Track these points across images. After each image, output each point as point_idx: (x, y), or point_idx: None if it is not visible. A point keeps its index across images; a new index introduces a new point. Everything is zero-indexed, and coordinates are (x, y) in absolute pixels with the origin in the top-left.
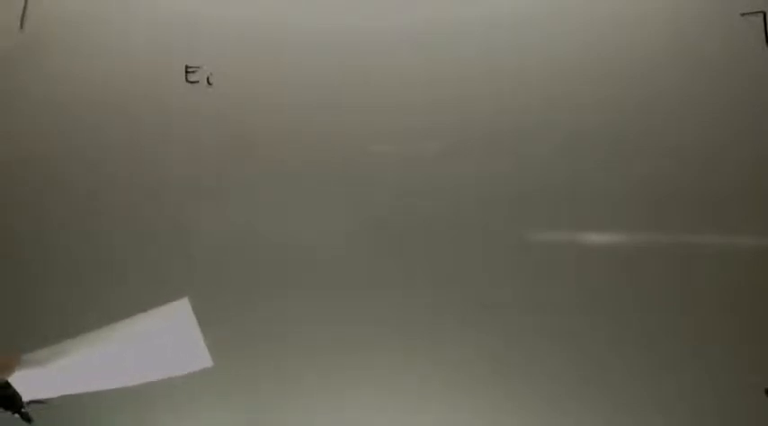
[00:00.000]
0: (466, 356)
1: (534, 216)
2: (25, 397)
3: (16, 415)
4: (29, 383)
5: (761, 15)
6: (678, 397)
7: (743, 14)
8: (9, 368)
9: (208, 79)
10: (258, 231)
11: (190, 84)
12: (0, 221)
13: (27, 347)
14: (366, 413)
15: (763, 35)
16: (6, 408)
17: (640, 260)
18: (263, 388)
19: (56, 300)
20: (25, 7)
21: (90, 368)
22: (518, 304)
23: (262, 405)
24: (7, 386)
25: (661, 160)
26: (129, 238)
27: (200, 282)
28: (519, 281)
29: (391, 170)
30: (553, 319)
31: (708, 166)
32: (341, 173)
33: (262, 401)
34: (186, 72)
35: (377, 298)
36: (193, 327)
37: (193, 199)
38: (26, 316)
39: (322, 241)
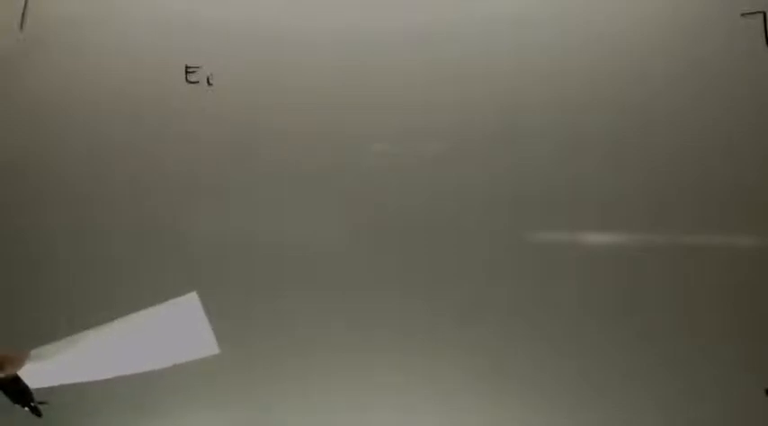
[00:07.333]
0: (465, 356)
1: (534, 216)
2: (35, 388)
3: (26, 409)
4: (38, 376)
5: (761, 15)
6: (678, 397)
7: (743, 15)
8: (18, 363)
9: (208, 79)
10: (258, 231)
11: (190, 84)
12: (0, 220)
13: (30, 344)
14: (365, 413)
15: (763, 35)
16: (16, 402)
17: (640, 260)
18: (263, 388)
19: (55, 299)
20: (25, 7)
21: (99, 358)
22: (517, 304)
23: (261, 405)
24: (17, 380)
25: (661, 160)
26: (127, 237)
27: (199, 282)
28: (519, 281)
29: (391, 170)
30: (553, 319)
31: (708, 166)
32: (341, 172)
33: (261, 401)
34: (186, 72)
35: (376, 299)
36: (201, 316)
37: (193, 199)
38: (28, 315)
39: (321, 241)
